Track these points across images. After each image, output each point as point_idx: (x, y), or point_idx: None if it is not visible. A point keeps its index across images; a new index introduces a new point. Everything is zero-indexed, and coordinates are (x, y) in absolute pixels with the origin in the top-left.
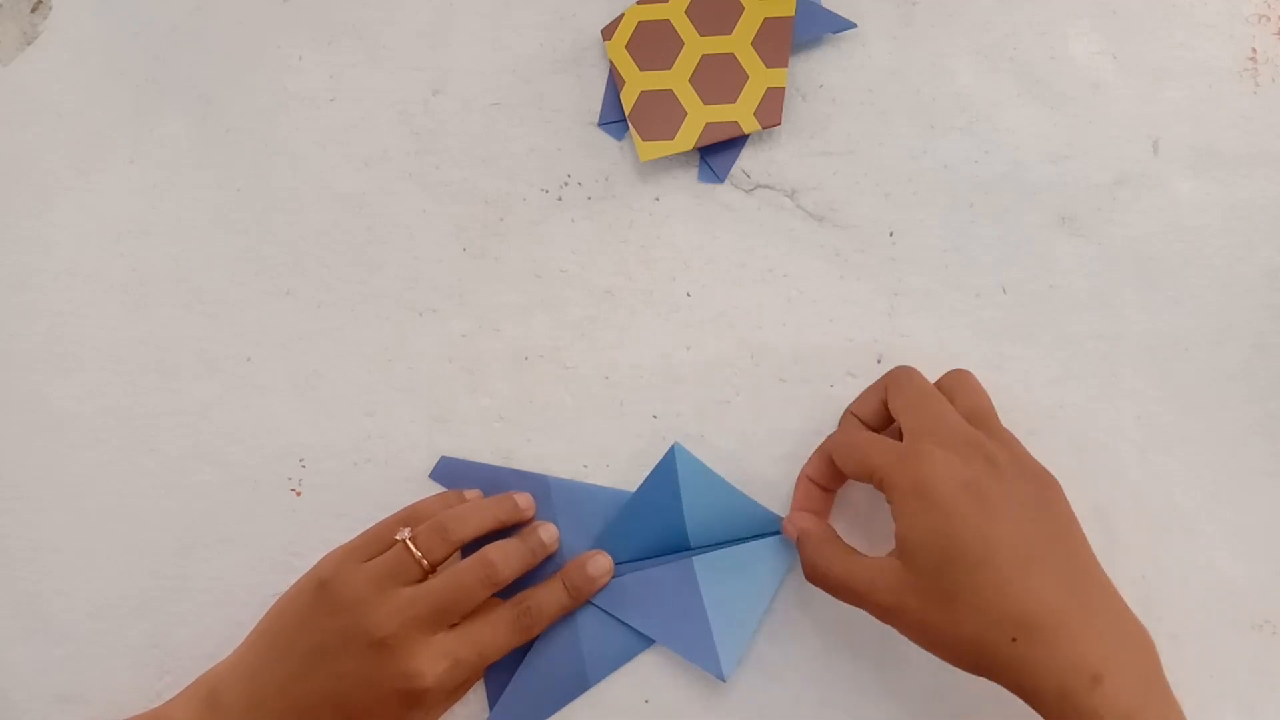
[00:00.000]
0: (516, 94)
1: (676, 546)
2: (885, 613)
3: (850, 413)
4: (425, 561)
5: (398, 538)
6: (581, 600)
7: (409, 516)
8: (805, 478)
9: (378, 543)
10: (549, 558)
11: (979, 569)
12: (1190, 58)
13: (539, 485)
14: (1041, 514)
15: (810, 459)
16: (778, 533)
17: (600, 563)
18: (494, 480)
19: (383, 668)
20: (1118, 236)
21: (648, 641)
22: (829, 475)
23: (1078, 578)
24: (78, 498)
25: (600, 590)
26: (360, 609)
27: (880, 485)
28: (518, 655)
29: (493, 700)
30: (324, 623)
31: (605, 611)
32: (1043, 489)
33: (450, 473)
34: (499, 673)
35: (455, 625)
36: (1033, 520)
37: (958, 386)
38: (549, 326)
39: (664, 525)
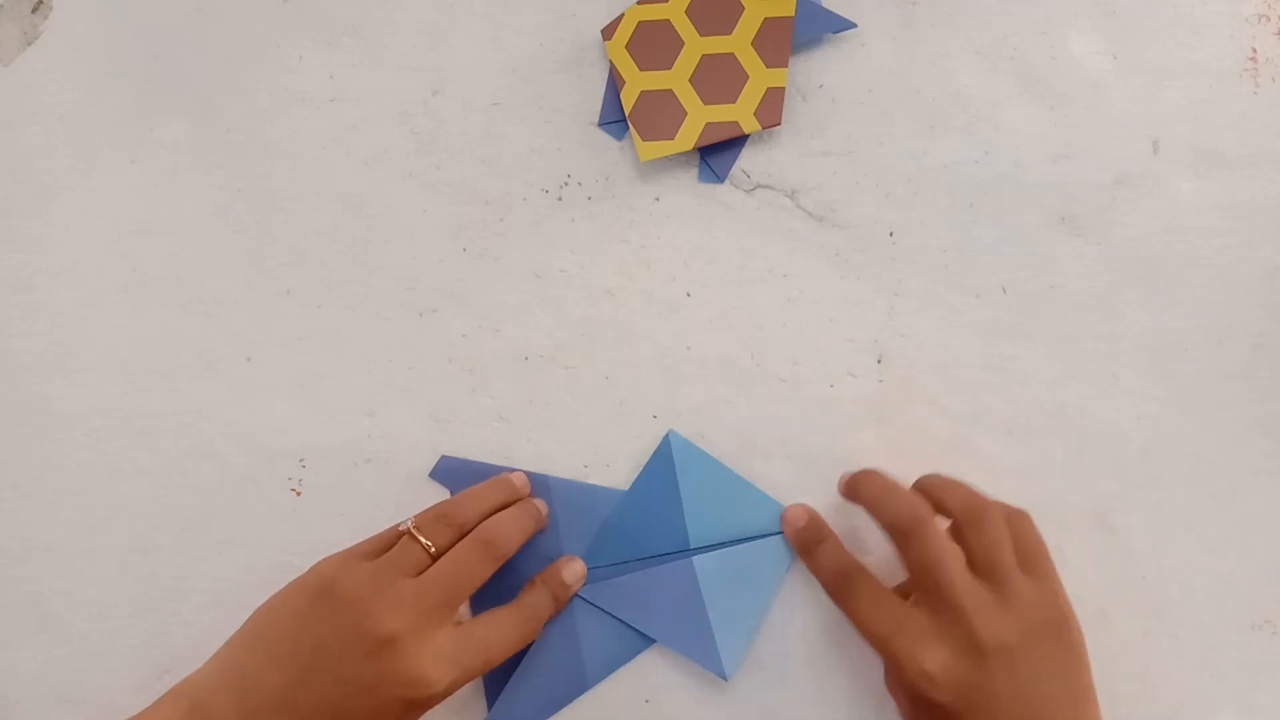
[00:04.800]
0: (516, 94)
1: (676, 535)
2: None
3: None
4: (432, 548)
5: (401, 529)
6: (563, 603)
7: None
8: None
9: (379, 544)
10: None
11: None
12: (1190, 58)
13: (539, 485)
14: (1056, 684)
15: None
16: (779, 532)
17: (575, 569)
18: (493, 480)
19: (388, 672)
20: (1118, 236)
21: (648, 641)
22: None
23: None
24: (78, 498)
25: (576, 593)
26: (365, 605)
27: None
28: (518, 655)
29: (492, 700)
30: (326, 624)
31: (606, 612)
32: (1064, 648)
33: (450, 472)
34: (499, 672)
35: (459, 627)
36: (1048, 690)
37: (1014, 527)
38: (549, 326)
39: (662, 515)
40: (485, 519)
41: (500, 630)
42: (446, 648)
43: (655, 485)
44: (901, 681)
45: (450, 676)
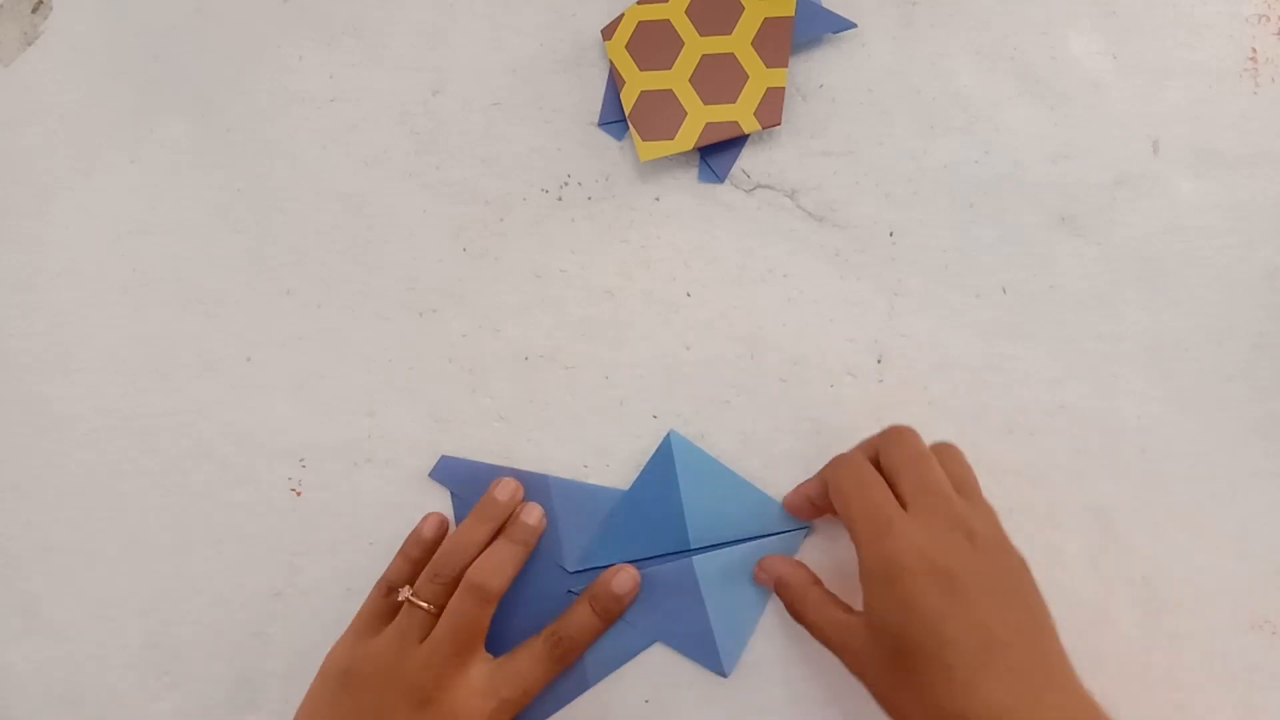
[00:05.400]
0: (516, 94)
1: (676, 535)
2: (852, 671)
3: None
4: (433, 609)
5: (400, 599)
6: (612, 620)
7: (391, 581)
8: (804, 496)
9: (375, 616)
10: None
11: (931, 663)
12: (1190, 58)
13: (539, 485)
14: (1011, 599)
15: (812, 481)
16: (778, 532)
17: (624, 579)
18: (493, 479)
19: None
20: (1118, 236)
21: (648, 641)
22: (827, 502)
23: (1034, 675)
24: (78, 498)
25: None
26: (390, 676)
27: (856, 546)
28: None
29: None
30: (357, 699)
31: None
32: (1016, 570)
33: (450, 472)
34: None
35: (491, 663)
36: (1001, 607)
37: (944, 457)
38: (549, 326)
39: (663, 515)
40: (479, 552)
41: (533, 660)
42: (480, 684)
43: (655, 485)
44: (885, 574)
45: (489, 709)
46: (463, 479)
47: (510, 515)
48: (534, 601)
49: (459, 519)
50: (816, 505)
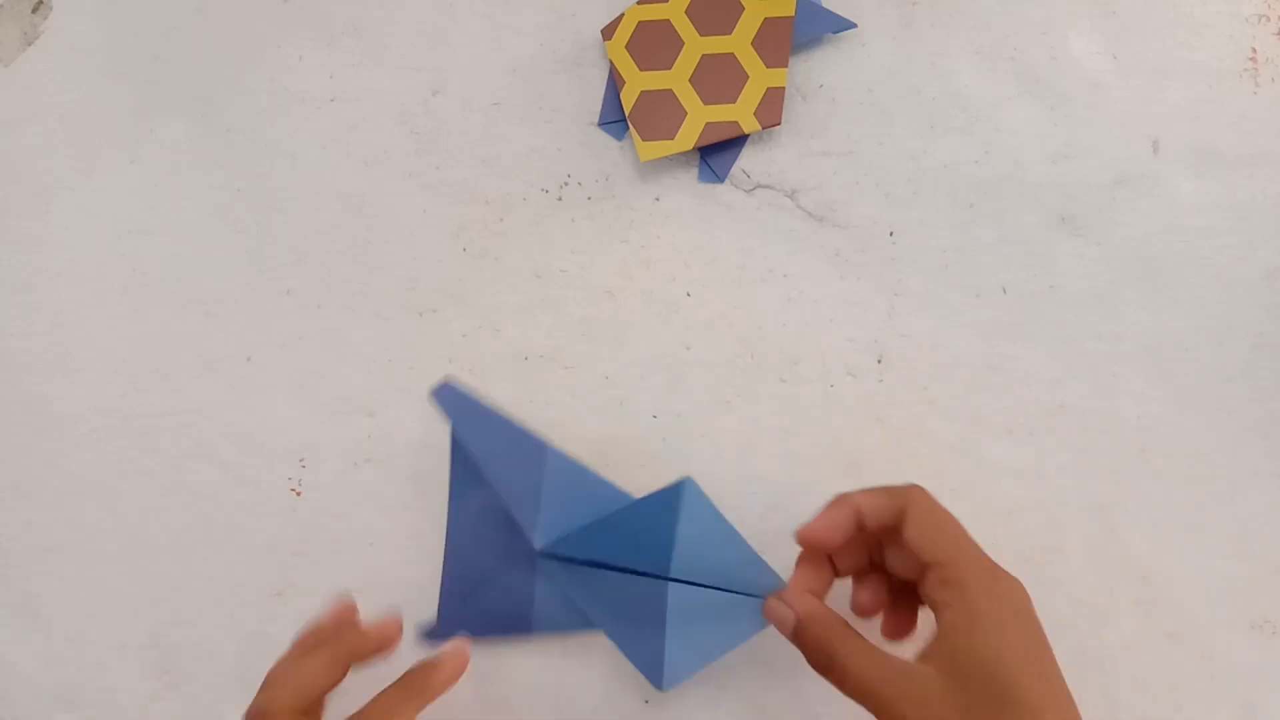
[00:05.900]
0: (516, 94)
1: (658, 563)
2: None
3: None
4: None
5: None
6: (423, 697)
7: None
8: (845, 512)
9: None
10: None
11: (1026, 714)
12: (1190, 58)
13: (536, 450)
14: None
15: (829, 514)
16: (762, 595)
17: (448, 660)
18: (492, 428)
19: None
20: (1118, 236)
21: (598, 630)
22: (846, 542)
23: None
24: (78, 498)
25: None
26: None
27: (955, 583)
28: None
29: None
30: None
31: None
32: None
33: (453, 399)
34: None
35: None
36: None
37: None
38: (549, 326)
39: (651, 542)
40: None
41: (387, 708)
42: None
43: (651, 518)
44: (1017, 612)
45: None
46: (463, 412)
47: (343, 636)
48: (498, 577)
49: (456, 452)
50: (852, 530)
